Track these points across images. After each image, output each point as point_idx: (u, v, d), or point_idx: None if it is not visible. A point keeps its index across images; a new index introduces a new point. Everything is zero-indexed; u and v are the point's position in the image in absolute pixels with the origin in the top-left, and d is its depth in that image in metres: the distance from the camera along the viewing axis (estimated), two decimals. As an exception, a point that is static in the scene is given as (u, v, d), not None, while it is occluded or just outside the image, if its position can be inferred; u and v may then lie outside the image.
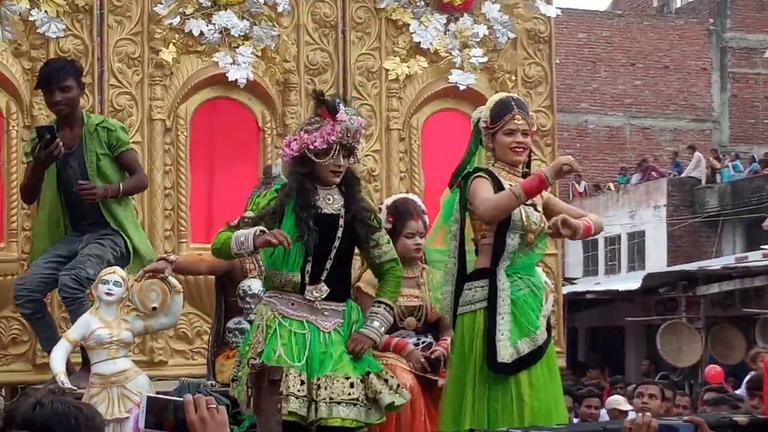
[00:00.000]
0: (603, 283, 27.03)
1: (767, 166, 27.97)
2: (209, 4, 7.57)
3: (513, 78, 8.29)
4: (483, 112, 5.60)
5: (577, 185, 32.61)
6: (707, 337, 19.87)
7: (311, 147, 5.29)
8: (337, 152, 5.31)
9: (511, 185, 5.37)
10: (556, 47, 8.69)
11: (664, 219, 28.53)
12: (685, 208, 28.55)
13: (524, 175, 5.52)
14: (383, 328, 5.50)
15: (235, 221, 5.37)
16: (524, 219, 5.41)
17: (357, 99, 7.86)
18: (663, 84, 34.85)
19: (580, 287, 25.29)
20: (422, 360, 5.96)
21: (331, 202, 5.41)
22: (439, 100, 8.25)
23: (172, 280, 6.12)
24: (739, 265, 20.72)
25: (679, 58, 34.93)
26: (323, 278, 5.34)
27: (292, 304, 5.34)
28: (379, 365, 5.47)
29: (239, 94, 7.73)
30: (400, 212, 6.16)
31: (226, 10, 7.60)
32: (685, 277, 21.74)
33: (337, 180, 5.40)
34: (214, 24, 7.57)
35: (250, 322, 6.00)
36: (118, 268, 6.14)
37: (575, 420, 9.62)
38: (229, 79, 7.59)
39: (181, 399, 3.08)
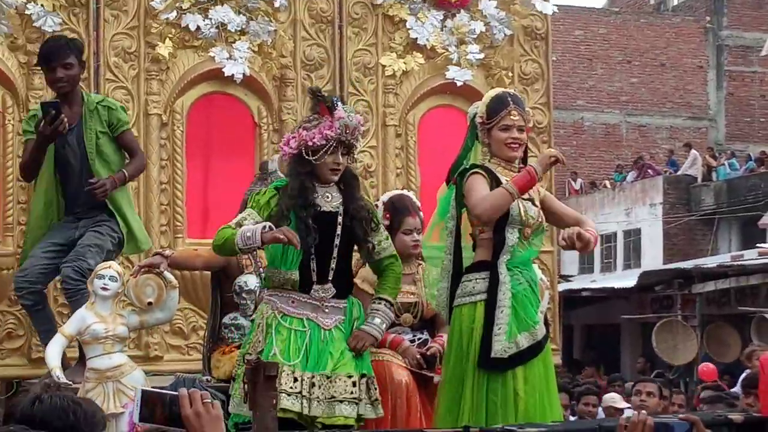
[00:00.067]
0: (599, 280, 27.04)
1: (763, 165, 27.96)
2: (206, -1, 7.58)
3: (510, 75, 8.30)
4: (479, 108, 5.59)
5: (573, 183, 32.62)
6: (703, 335, 19.87)
7: (310, 144, 5.28)
8: (335, 149, 5.31)
9: (506, 181, 5.38)
10: (552, 44, 8.70)
11: (660, 217, 28.54)
12: (681, 206, 28.55)
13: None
14: (384, 325, 5.51)
15: (237, 219, 5.35)
16: (522, 213, 5.41)
17: (353, 95, 7.86)
18: (659, 82, 34.86)
19: (575, 285, 25.29)
20: (418, 356, 5.95)
21: (329, 199, 5.41)
22: (435, 97, 8.26)
23: (168, 275, 6.11)
24: (735, 263, 20.72)
25: (675, 55, 34.94)
26: (330, 278, 5.36)
27: (293, 302, 5.34)
28: (372, 371, 5.46)
29: (235, 90, 7.74)
30: (397, 209, 6.15)
31: (222, 5, 7.60)
32: (681, 275, 21.73)
33: (336, 178, 5.40)
34: (211, 19, 7.57)
35: (251, 318, 6.00)
36: (113, 263, 6.13)
37: (572, 418, 9.62)
38: (226, 74, 7.60)
39: (176, 393, 3.08)
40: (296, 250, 5.23)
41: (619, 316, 24.59)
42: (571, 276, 27.01)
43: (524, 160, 5.64)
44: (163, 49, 7.50)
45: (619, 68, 34.67)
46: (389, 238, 5.63)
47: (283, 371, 5.14)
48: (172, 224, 7.55)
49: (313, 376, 5.21)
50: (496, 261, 5.38)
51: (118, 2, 7.48)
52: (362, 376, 5.32)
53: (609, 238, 29.23)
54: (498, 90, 5.84)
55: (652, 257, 27.99)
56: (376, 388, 5.41)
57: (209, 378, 6.23)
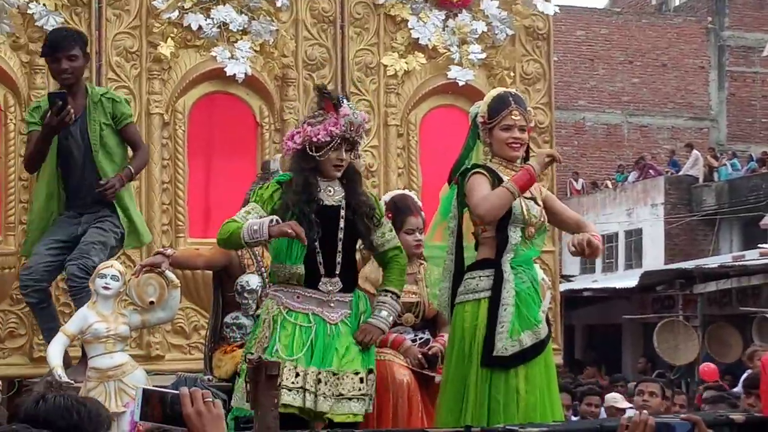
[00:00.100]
0: (600, 280, 27.05)
1: (764, 165, 27.97)
2: (208, -2, 7.58)
3: (511, 75, 8.30)
4: (480, 107, 5.59)
5: (574, 183, 32.65)
6: (704, 335, 19.89)
7: (314, 140, 5.30)
8: (339, 146, 5.32)
9: (507, 181, 5.39)
10: (554, 44, 8.69)
11: (662, 217, 28.55)
12: (682, 206, 28.57)
13: (521, 172, 5.53)
14: (391, 317, 5.50)
15: (241, 213, 5.35)
16: (525, 212, 5.42)
17: (355, 94, 7.85)
18: (661, 82, 34.87)
19: (577, 285, 25.31)
20: (419, 356, 5.95)
21: (332, 193, 5.42)
22: (437, 96, 8.25)
23: (170, 274, 6.11)
24: (736, 263, 20.74)
25: (677, 56, 34.95)
26: (337, 272, 5.36)
27: (298, 297, 5.34)
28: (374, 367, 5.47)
29: (237, 89, 7.73)
30: (399, 208, 6.16)
31: (224, 4, 7.60)
32: (683, 275, 21.75)
33: (339, 174, 5.42)
34: (213, 18, 7.57)
35: (254, 317, 6.00)
36: (115, 263, 6.13)
37: (574, 418, 9.61)
38: (228, 74, 7.59)
39: (177, 392, 3.08)
40: (300, 244, 5.24)
41: (620, 316, 24.60)
42: (573, 276, 27.01)
43: (526, 160, 5.63)
44: (165, 49, 7.50)
45: (620, 68, 34.68)
46: (393, 230, 5.63)
47: (285, 366, 5.15)
48: (174, 224, 7.54)
49: (319, 372, 5.21)
50: (500, 259, 5.38)
51: (120, 1, 7.47)
52: (369, 371, 5.33)
53: (610, 239, 29.22)
54: (500, 89, 5.84)
55: (654, 257, 27.99)
56: (373, 384, 5.41)
57: (211, 377, 6.23)
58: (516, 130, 5.50)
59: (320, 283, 5.33)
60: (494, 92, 5.70)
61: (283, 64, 7.79)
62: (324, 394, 5.19)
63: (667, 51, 34.91)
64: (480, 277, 5.41)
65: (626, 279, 24.66)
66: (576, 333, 27.33)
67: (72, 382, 5.75)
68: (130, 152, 6.67)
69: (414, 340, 6.08)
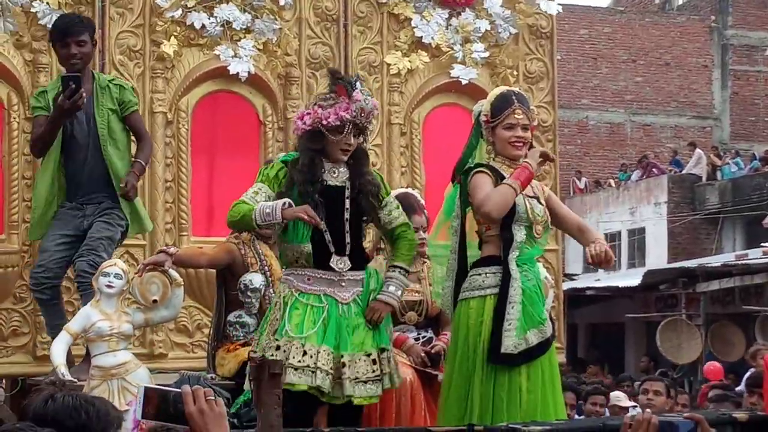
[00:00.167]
0: (603, 279, 27.00)
1: (768, 164, 27.98)
2: (211, -4, 7.57)
3: (514, 73, 8.29)
4: (484, 106, 5.60)
5: (577, 181, 32.63)
6: (707, 334, 19.89)
7: (324, 123, 5.30)
8: (348, 131, 5.32)
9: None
10: (557, 43, 8.68)
11: (665, 216, 28.54)
12: (685, 205, 28.55)
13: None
14: (400, 292, 5.48)
15: (249, 193, 5.34)
16: (528, 211, 5.43)
17: (358, 93, 7.83)
18: (664, 81, 34.84)
19: (580, 283, 25.31)
20: (422, 354, 5.96)
21: (336, 174, 5.43)
22: (440, 95, 8.24)
23: (173, 272, 6.11)
24: (739, 262, 20.74)
25: (680, 55, 34.92)
26: (347, 252, 5.36)
27: (309, 279, 5.35)
28: (389, 342, 5.46)
29: (240, 88, 7.73)
30: (403, 207, 6.15)
31: (227, 3, 7.59)
32: (685, 274, 21.76)
33: (345, 158, 5.43)
34: (216, 17, 7.56)
35: (257, 315, 6.00)
36: (119, 261, 6.14)
37: (578, 417, 9.61)
38: (231, 73, 7.58)
39: (180, 390, 3.08)
40: (305, 223, 5.22)
41: (623, 315, 24.59)
42: (576, 275, 27.01)
43: (526, 159, 5.65)
44: (168, 48, 7.50)
45: (623, 67, 34.66)
46: (400, 206, 5.62)
47: (293, 345, 5.14)
48: (177, 222, 7.54)
49: (329, 354, 5.19)
50: (506, 257, 5.38)
51: (123, 0, 7.47)
52: (381, 350, 5.32)
53: (613, 237, 29.21)
54: (503, 88, 5.84)
55: (657, 256, 27.99)
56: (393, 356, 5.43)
57: (214, 376, 6.23)
58: (519, 129, 5.50)
59: (331, 261, 5.33)
60: (497, 91, 5.70)
61: (286, 63, 7.79)
62: (349, 378, 5.17)
63: (670, 50, 34.89)
64: (486, 273, 5.41)
65: (629, 278, 24.65)
66: (579, 332, 27.32)
67: (75, 380, 5.74)
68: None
69: (417, 339, 6.09)
